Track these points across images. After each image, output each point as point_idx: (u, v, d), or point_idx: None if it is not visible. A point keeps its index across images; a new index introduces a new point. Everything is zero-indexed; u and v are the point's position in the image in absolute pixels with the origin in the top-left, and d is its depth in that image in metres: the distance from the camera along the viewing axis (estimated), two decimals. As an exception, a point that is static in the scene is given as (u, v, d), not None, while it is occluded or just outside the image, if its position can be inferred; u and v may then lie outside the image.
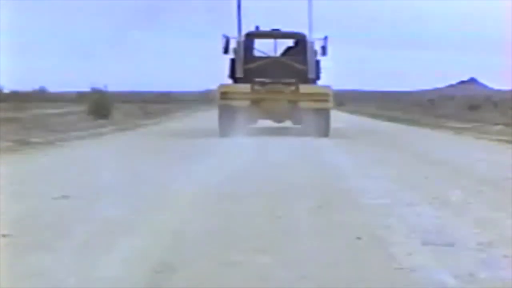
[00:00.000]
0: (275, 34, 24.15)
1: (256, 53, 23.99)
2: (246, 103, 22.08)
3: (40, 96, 65.73)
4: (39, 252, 6.53)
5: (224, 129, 21.88)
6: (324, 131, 22.23)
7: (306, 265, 6.18)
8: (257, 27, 24.22)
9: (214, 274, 5.89)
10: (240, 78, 23.16)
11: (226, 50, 23.59)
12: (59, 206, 9.10)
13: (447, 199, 9.97)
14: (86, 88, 46.70)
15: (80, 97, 55.97)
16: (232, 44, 23.63)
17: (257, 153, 16.76)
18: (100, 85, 42.31)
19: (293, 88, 22.52)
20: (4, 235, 7.21)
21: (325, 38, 23.43)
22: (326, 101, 22.29)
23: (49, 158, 15.93)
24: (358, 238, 7.20)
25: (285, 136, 22.01)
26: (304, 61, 23.25)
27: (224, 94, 22.25)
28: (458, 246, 6.95)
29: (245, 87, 22.47)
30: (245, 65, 23.16)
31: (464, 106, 61.57)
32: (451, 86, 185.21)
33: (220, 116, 22.27)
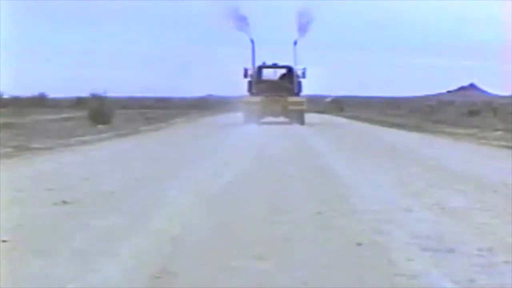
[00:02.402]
0: (274, 66, 41.65)
1: (264, 78, 41.07)
2: (258, 107, 38.42)
3: (40, 102, 65.75)
4: (39, 258, 6.52)
5: (247, 121, 37.42)
6: (301, 122, 38.03)
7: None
8: (264, 63, 41.24)
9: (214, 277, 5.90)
10: (254, 92, 39.68)
11: (245, 76, 40.54)
12: (59, 212, 9.09)
13: (447, 205, 9.97)
14: (85, 94, 46.76)
15: (79, 102, 55.98)
16: (249, 72, 40.73)
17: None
18: (99, 90, 42.38)
19: (284, 98, 39.02)
20: (4, 241, 7.20)
21: (304, 68, 40.75)
22: (302, 105, 39.47)
23: (49, 164, 15.92)
24: (359, 245, 7.20)
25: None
26: (291, 82, 40.15)
27: (247, 102, 39.55)
28: (458, 252, 6.95)
29: (257, 98, 38.93)
30: (257, 85, 39.75)
31: (464, 112, 61.57)
32: (451, 91, 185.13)
33: (245, 114, 38.28)
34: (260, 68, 41.16)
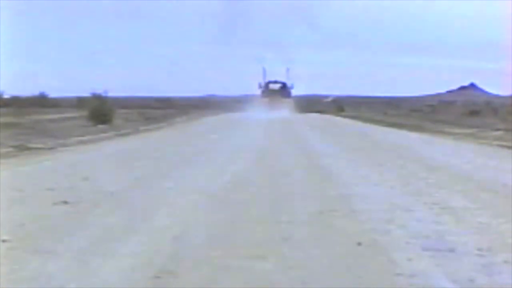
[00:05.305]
0: (276, 82, 75.95)
1: (270, 88, 74.79)
2: (266, 104, 68.27)
3: (40, 102, 65.75)
4: (39, 258, 6.53)
5: (260, 111, 60.42)
6: (290, 112, 65.67)
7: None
8: (269, 80, 76.74)
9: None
10: (264, 96, 72.84)
11: (259, 87, 75.93)
12: (59, 211, 9.10)
13: (447, 205, 9.97)
14: (86, 93, 46.76)
15: (80, 102, 55.97)
16: (261, 85, 76.65)
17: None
18: (100, 90, 42.42)
19: (281, 99, 71.32)
20: (4, 241, 7.21)
21: (292, 84, 76.16)
22: (291, 103, 71.41)
23: (49, 164, 15.93)
24: (359, 244, 7.21)
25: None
26: (285, 91, 74.90)
27: (260, 102, 70.29)
28: (458, 251, 6.95)
29: (266, 100, 70.99)
30: (266, 92, 73.96)
31: (464, 112, 61.61)
32: (451, 91, 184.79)
33: (259, 108, 64.40)
34: (267, 83, 74.91)
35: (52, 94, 75.76)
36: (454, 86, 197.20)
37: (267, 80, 76.43)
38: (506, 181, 12.50)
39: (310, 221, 8.58)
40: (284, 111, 63.10)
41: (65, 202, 9.70)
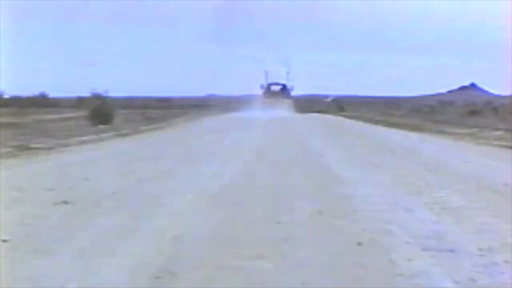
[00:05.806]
0: (276, 84, 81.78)
1: (271, 90, 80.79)
2: (267, 104, 71.20)
3: (41, 102, 65.75)
4: (39, 258, 6.52)
5: (262, 110, 66.23)
6: (289, 110, 70.90)
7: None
8: (271, 82, 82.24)
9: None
10: (266, 97, 77.82)
11: (261, 88, 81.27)
12: (59, 211, 9.10)
13: (448, 204, 9.97)
14: (86, 93, 46.81)
15: (80, 102, 55.98)
16: (264, 86, 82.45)
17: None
18: (100, 90, 42.47)
19: (281, 100, 75.98)
20: (4, 241, 7.20)
21: (292, 85, 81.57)
22: (290, 104, 75.44)
23: (49, 164, 15.93)
24: (359, 244, 7.20)
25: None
26: (285, 92, 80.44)
27: (262, 102, 74.33)
28: (459, 251, 6.95)
29: (268, 99, 75.54)
30: (267, 93, 79.35)
31: (465, 112, 61.63)
32: (452, 91, 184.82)
33: (261, 107, 69.31)
34: (269, 85, 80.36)
35: (52, 94, 75.82)
36: (455, 86, 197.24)
37: (269, 81, 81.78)
38: (506, 181, 12.49)
39: (310, 221, 8.59)
40: (284, 111, 65.62)
41: (66, 202, 9.70)
